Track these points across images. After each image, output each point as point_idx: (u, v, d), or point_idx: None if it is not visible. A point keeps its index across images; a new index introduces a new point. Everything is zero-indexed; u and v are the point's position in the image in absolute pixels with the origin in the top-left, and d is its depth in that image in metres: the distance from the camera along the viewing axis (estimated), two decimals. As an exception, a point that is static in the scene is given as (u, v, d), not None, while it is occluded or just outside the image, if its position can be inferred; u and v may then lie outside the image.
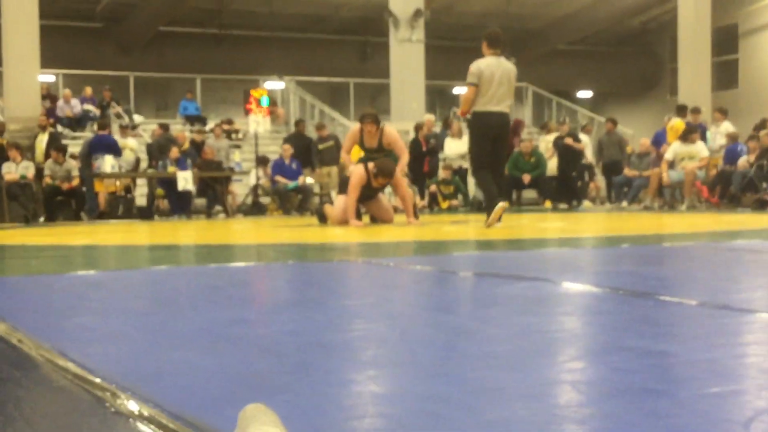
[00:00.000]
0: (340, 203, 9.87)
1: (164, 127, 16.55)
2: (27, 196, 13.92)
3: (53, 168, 14.01)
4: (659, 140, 15.58)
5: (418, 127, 16.34)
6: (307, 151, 16.36)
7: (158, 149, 15.41)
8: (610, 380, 1.68)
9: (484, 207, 8.78)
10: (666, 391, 1.57)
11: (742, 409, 1.44)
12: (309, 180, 15.77)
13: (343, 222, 9.60)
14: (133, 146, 16.12)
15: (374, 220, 10.16)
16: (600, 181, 18.05)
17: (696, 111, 15.66)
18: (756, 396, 1.53)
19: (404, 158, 10.07)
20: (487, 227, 8.16)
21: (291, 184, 15.52)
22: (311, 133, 17.86)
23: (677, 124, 15.23)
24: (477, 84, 8.38)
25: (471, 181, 16.63)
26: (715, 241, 6.28)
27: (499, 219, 8.30)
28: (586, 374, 1.76)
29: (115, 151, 14.65)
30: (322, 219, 10.29)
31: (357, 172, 9.60)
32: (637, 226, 9.10)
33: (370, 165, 9.59)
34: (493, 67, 8.40)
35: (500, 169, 8.76)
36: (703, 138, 15.04)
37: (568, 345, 2.11)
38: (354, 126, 10.44)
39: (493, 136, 8.46)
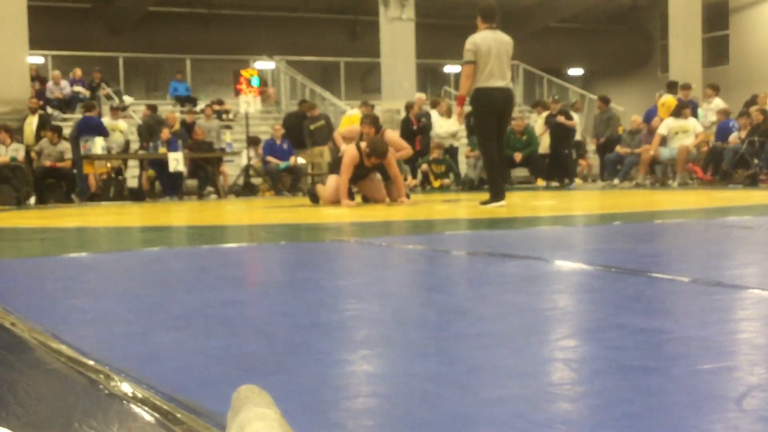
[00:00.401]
0: (332, 183, 9.86)
1: (152, 108, 16.47)
2: (18, 178, 13.87)
3: (47, 148, 13.95)
4: (651, 117, 15.57)
5: (408, 106, 16.30)
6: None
7: (147, 131, 15.34)
8: (603, 358, 1.69)
9: (488, 189, 8.55)
10: (658, 368, 1.57)
11: (734, 385, 1.45)
12: (300, 160, 15.74)
13: (335, 202, 9.59)
14: (123, 128, 16.05)
15: (366, 200, 10.16)
16: (593, 159, 18.06)
17: (686, 87, 15.65)
18: (748, 372, 1.54)
19: (405, 153, 10.09)
20: (481, 205, 8.17)
21: (282, 164, 15.49)
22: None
23: (668, 100, 15.22)
24: (474, 61, 8.18)
25: (462, 159, 16.63)
26: (706, 217, 6.29)
27: (503, 198, 8.28)
28: (579, 352, 1.77)
29: (103, 132, 14.58)
30: (315, 199, 10.29)
31: (349, 152, 9.59)
32: (629, 203, 9.11)
33: (363, 144, 9.58)
34: (490, 41, 8.20)
35: (501, 146, 8.52)
36: (695, 115, 15.04)
37: (561, 323, 2.12)
38: (353, 117, 10.34)
39: (497, 112, 8.25)
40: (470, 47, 8.20)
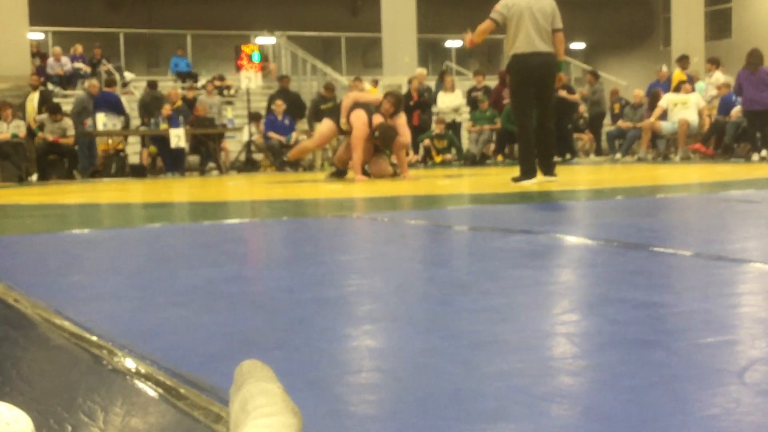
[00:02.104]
0: (321, 128, 9.81)
1: (151, 85, 16.43)
2: (19, 155, 13.86)
3: (49, 124, 13.94)
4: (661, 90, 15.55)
5: (411, 82, 16.29)
6: (295, 107, 16.28)
7: (144, 108, 15.32)
8: (605, 332, 1.69)
9: (520, 164, 7.96)
10: (660, 341, 1.58)
11: (736, 359, 1.45)
12: (302, 137, 15.71)
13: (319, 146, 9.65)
14: (124, 103, 16.02)
15: (365, 174, 10.14)
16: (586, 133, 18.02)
17: (684, 59, 15.66)
18: (750, 346, 1.54)
19: (403, 141, 10.06)
20: (512, 182, 7.78)
21: (286, 139, 15.47)
22: (299, 88, 17.79)
23: (677, 74, 15.22)
24: (498, 21, 7.69)
25: (465, 135, 16.59)
26: (708, 191, 6.29)
27: (533, 175, 7.72)
28: (581, 326, 1.77)
29: (119, 109, 14.61)
30: (338, 174, 10.23)
31: (360, 126, 9.52)
32: (631, 177, 9.10)
33: (373, 123, 9.59)
34: (522, 4, 7.65)
35: (547, 121, 7.89)
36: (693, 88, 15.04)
37: (563, 297, 2.12)
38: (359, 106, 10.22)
39: (534, 80, 7.68)
40: (499, 8, 7.71)
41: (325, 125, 9.66)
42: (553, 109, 8.09)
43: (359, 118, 9.59)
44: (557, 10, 7.79)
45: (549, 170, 7.84)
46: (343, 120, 9.78)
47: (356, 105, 9.84)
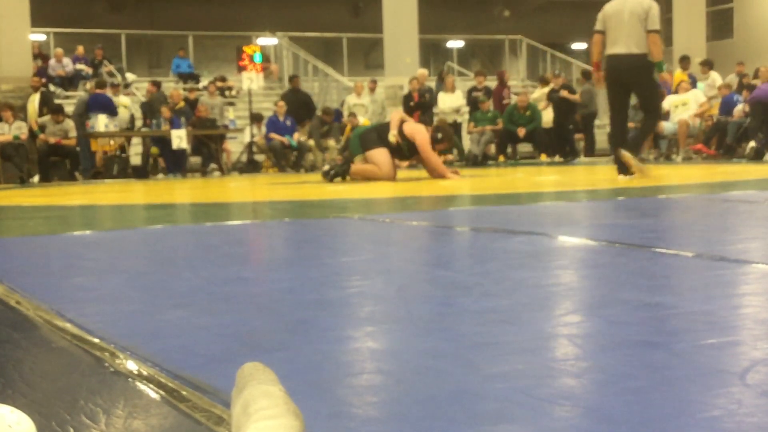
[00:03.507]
0: (383, 159, 9.68)
1: (156, 85, 16.44)
2: (21, 156, 13.86)
3: (51, 126, 13.94)
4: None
5: (411, 82, 16.31)
6: (304, 107, 16.28)
7: (149, 108, 15.33)
8: (607, 333, 1.69)
9: (616, 158, 8.15)
10: (662, 343, 1.58)
11: (738, 360, 1.45)
12: (302, 137, 15.72)
13: (391, 177, 9.51)
14: (127, 103, 16.03)
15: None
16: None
17: (685, 60, 15.67)
18: (752, 347, 1.54)
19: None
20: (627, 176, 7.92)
21: (291, 141, 15.47)
22: (307, 88, 17.82)
23: (678, 75, 15.23)
24: (602, 30, 8.06)
25: (465, 136, 16.58)
26: (710, 192, 6.28)
27: (630, 171, 7.87)
28: (583, 327, 1.77)
29: (111, 110, 14.58)
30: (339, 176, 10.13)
31: (423, 129, 9.65)
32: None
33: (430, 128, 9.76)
34: (618, 7, 7.95)
35: (651, 118, 8.46)
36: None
37: (565, 299, 2.12)
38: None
39: (623, 81, 7.95)
40: (599, 17, 8.15)
41: (381, 153, 9.56)
42: (654, 107, 8.47)
43: (416, 127, 9.66)
44: (654, 12, 7.87)
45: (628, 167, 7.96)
46: (393, 132, 9.65)
47: (403, 121, 9.89)
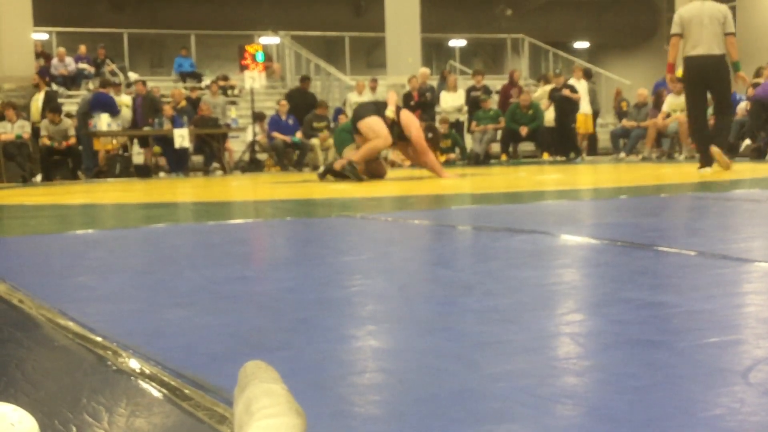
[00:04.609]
0: (379, 125, 9.55)
1: (143, 83, 16.39)
2: (23, 155, 13.87)
3: (49, 128, 13.96)
4: (659, 90, 15.52)
5: (411, 81, 16.31)
6: (310, 108, 16.29)
7: (148, 106, 15.33)
8: (609, 332, 1.69)
9: (698, 152, 9.13)
10: (664, 341, 1.58)
11: (740, 359, 1.45)
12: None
13: (389, 142, 9.59)
14: (128, 103, 16.04)
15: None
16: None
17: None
18: (754, 345, 1.54)
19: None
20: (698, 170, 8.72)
21: (295, 139, 15.47)
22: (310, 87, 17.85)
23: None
24: (680, 33, 8.69)
25: (467, 134, 16.59)
26: (713, 191, 6.28)
27: (710, 164, 8.70)
28: (585, 326, 1.77)
29: (113, 109, 14.60)
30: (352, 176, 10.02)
31: (417, 125, 9.64)
32: (636, 177, 9.09)
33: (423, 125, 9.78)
34: (695, 11, 8.64)
35: (728, 114, 9.11)
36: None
37: (567, 297, 2.12)
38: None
39: (702, 80, 8.69)
40: (676, 20, 8.78)
41: (376, 121, 9.54)
42: (727, 105, 9.10)
43: (413, 119, 9.65)
44: (730, 17, 8.76)
45: (707, 161, 8.79)
46: (391, 108, 9.61)
47: (399, 106, 9.88)
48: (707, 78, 8.67)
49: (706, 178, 7.64)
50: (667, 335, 1.64)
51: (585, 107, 15.99)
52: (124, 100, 15.89)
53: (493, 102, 16.74)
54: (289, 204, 6.56)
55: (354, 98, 16.46)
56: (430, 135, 9.75)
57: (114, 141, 14.87)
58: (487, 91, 16.50)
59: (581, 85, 16.12)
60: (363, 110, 9.82)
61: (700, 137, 8.94)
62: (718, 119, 9.00)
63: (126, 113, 15.57)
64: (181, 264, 3.05)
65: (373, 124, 9.53)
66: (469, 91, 16.81)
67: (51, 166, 14.08)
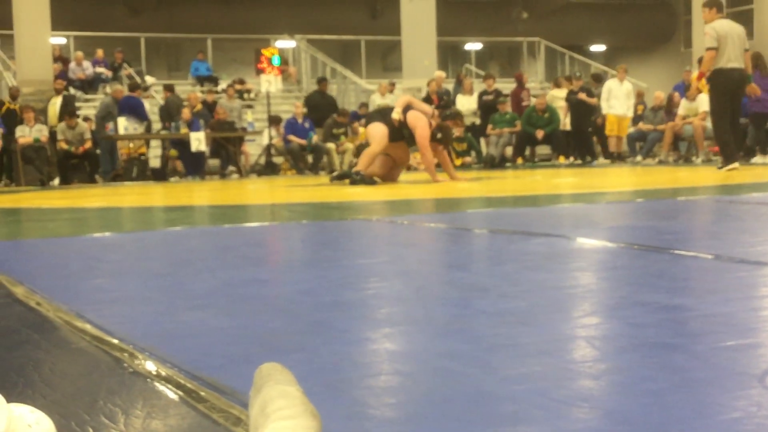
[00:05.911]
0: (377, 131, 9.63)
1: (169, 88, 16.48)
2: (41, 159, 13.96)
3: (66, 132, 14.03)
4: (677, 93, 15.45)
5: (429, 84, 16.31)
6: (330, 109, 16.31)
7: (167, 112, 15.41)
8: (625, 335, 1.68)
9: (722, 155, 9.87)
10: (681, 345, 1.57)
11: (757, 362, 1.44)
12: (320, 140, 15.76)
13: (383, 148, 9.57)
14: (146, 106, 16.11)
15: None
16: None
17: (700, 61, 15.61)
18: (771, 349, 1.53)
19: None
20: (718, 169, 9.61)
21: (310, 140, 15.50)
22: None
23: (695, 77, 15.17)
24: (716, 46, 9.42)
25: (482, 138, 16.56)
26: (730, 194, 6.25)
27: (735, 161, 9.59)
28: (601, 329, 1.76)
29: (141, 114, 14.69)
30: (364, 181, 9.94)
31: (423, 124, 9.58)
32: (652, 180, 9.06)
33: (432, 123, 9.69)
34: (726, 28, 9.58)
35: (737, 121, 10.06)
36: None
37: (583, 300, 2.11)
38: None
39: (731, 89, 9.57)
40: (712, 33, 9.50)
41: (374, 127, 9.59)
42: (740, 110, 10.25)
43: (420, 119, 9.61)
44: (745, 35, 9.82)
45: (731, 158, 9.64)
46: (398, 110, 9.60)
47: (410, 107, 9.81)
48: (736, 89, 9.65)
49: (731, 176, 8.29)
50: (683, 338, 1.63)
51: (620, 108, 15.73)
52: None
53: (508, 105, 16.70)
54: (305, 207, 6.56)
55: (378, 100, 16.46)
56: (439, 135, 9.70)
57: (131, 144, 14.93)
58: (499, 94, 16.47)
59: (623, 87, 15.92)
60: (369, 118, 10.18)
61: (727, 139, 9.62)
62: (735, 125, 9.86)
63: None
64: (198, 267, 3.06)
65: (371, 131, 9.81)
66: (481, 95, 16.78)
67: (68, 170, 14.15)
